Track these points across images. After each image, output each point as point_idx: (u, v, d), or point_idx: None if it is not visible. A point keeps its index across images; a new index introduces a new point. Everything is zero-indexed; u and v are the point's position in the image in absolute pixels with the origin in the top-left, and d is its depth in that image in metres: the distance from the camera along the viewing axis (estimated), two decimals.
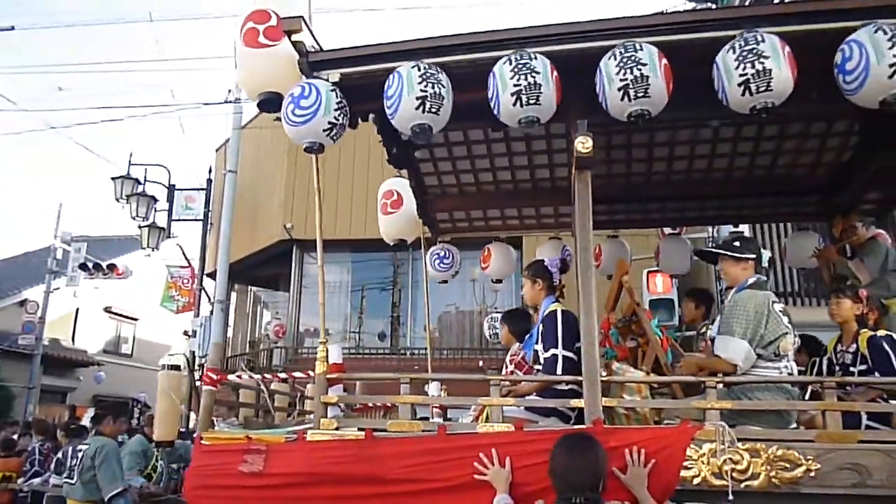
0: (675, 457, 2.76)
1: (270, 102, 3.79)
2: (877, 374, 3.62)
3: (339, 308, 14.22)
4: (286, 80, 3.61)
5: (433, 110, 3.19)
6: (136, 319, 21.20)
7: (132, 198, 13.00)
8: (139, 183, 13.00)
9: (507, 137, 5.17)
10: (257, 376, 4.39)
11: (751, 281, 3.30)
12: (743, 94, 2.93)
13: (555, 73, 3.10)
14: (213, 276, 12.78)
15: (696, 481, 2.77)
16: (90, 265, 16.20)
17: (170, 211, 13.65)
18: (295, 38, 3.56)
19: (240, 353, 16.05)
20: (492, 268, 6.59)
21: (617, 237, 6.50)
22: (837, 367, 3.90)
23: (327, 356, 3.44)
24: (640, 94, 2.97)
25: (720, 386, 2.95)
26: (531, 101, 3.05)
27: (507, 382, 3.50)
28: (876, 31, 2.82)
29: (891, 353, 3.67)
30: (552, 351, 3.44)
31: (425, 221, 6.11)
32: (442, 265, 6.40)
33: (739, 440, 2.77)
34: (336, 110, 3.42)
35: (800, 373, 4.61)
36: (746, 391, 3.08)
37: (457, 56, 3.36)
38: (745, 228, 7.92)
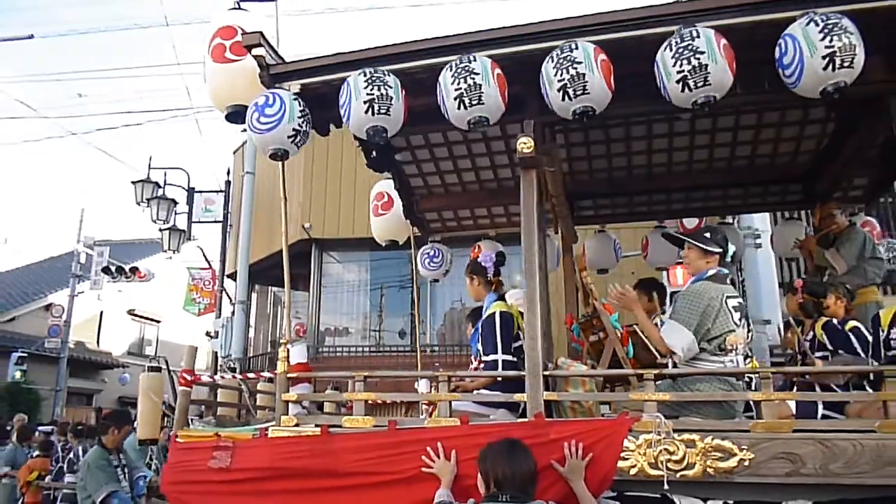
0: (612, 448, 2.81)
1: (238, 115, 3.95)
2: (841, 352, 3.65)
3: (358, 307, 14.27)
4: (252, 93, 3.73)
5: (382, 112, 3.27)
6: (158, 321, 21.64)
7: (152, 201, 13.09)
8: (159, 186, 13.12)
9: (485, 137, 5.23)
10: (240, 377, 4.52)
11: (710, 273, 3.32)
12: (682, 91, 2.96)
13: (497, 71, 3.15)
14: (233, 277, 12.98)
15: (632, 472, 2.81)
16: (113, 269, 16.46)
17: (190, 213, 13.80)
18: (256, 52, 3.67)
19: (261, 353, 16.29)
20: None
21: (604, 231, 6.54)
22: (800, 356, 3.92)
23: (288, 357, 3.55)
24: (579, 92, 3.02)
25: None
26: (475, 102, 3.12)
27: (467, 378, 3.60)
28: (808, 24, 2.83)
29: (849, 333, 3.70)
30: (492, 356, 3.54)
31: (412, 222, 6.20)
32: (432, 264, 6.49)
33: (675, 431, 2.81)
34: (300, 118, 3.54)
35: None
36: (689, 383, 3.12)
37: (410, 63, 3.44)
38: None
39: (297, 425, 3.39)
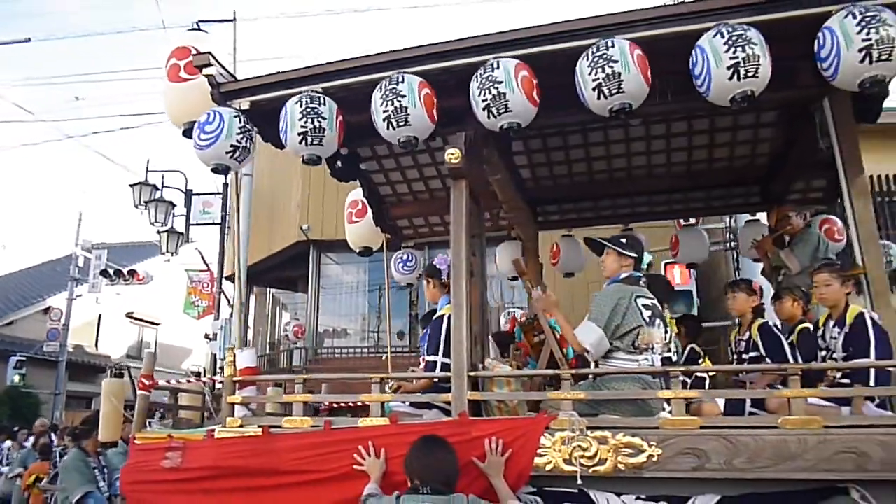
0: (529, 445, 2.95)
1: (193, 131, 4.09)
2: (768, 359, 3.77)
3: (356, 308, 14.35)
4: (206, 110, 3.88)
5: (315, 143, 3.45)
6: (157, 324, 21.84)
7: (150, 204, 13.02)
8: (157, 189, 13.14)
9: (446, 145, 5.37)
10: (204, 379, 4.67)
11: (623, 276, 3.47)
12: (598, 98, 3.10)
13: (424, 91, 3.28)
14: (231, 279, 13.12)
15: (548, 468, 2.94)
16: (111, 272, 16.59)
17: (188, 216, 13.81)
18: (206, 71, 3.83)
19: (260, 355, 16.43)
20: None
21: (571, 236, 6.65)
22: (734, 356, 4.05)
23: (234, 361, 3.70)
24: (501, 110, 3.15)
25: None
26: (402, 123, 3.27)
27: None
28: (715, 36, 2.95)
29: (781, 337, 3.82)
30: (432, 357, 3.69)
31: (383, 229, 6.34)
32: (405, 268, 6.64)
33: (589, 428, 2.94)
34: (238, 134, 3.69)
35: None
36: (606, 382, 3.26)
37: (348, 80, 3.58)
38: None
39: (241, 426, 3.54)
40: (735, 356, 4.19)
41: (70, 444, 8.45)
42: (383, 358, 13.19)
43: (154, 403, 4.26)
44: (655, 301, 3.42)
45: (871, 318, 3.24)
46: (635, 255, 3.50)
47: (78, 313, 17.82)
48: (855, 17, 2.83)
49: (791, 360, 3.76)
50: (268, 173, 14.39)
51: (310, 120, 3.43)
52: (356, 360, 13.20)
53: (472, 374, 3.24)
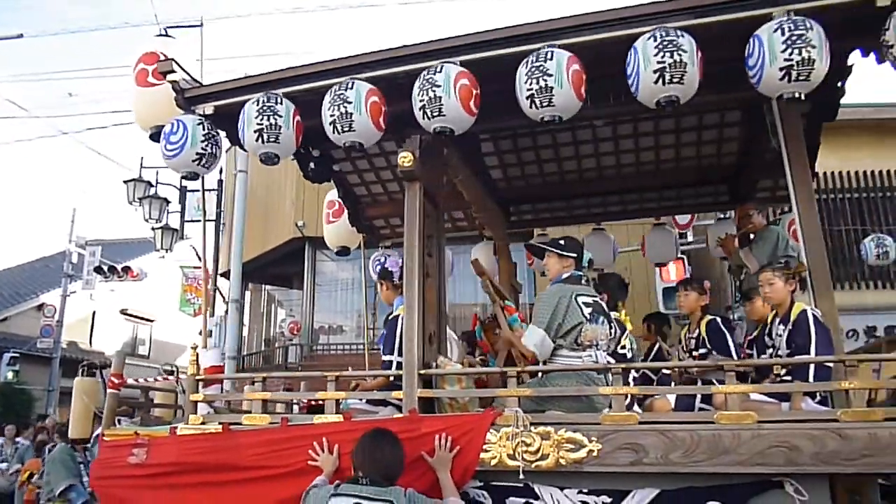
0: (475, 441, 3.04)
1: (160, 135, 4.17)
2: (714, 353, 3.87)
3: (352, 305, 14.37)
4: (173, 115, 3.96)
5: (271, 140, 3.51)
6: (151, 321, 21.91)
7: (144, 200, 12.88)
8: (151, 185, 13.04)
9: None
10: (172, 378, 4.77)
11: (565, 276, 3.56)
12: (530, 107, 3.17)
13: (372, 98, 3.35)
14: (226, 275, 13.14)
15: (493, 462, 3.03)
16: (105, 268, 16.49)
17: (182, 212, 13.85)
18: (170, 77, 3.91)
19: (255, 352, 16.50)
20: None
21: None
22: (685, 353, 4.14)
23: (197, 360, 3.79)
24: (435, 114, 3.23)
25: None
26: (346, 129, 3.35)
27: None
28: (648, 40, 3.01)
29: (726, 333, 3.91)
30: (388, 357, 3.79)
31: (358, 229, 6.42)
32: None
33: (533, 424, 3.03)
34: (203, 142, 3.78)
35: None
36: (551, 379, 3.35)
37: (303, 85, 3.63)
38: None
39: (203, 423, 3.63)
40: (686, 353, 4.28)
41: (58, 440, 8.60)
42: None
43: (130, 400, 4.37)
44: (598, 298, 3.51)
45: (814, 315, 3.32)
46: (574, 255, 3.60)
47: (72, 310, 17.85)
48: (783, 34, 2.87)
49: (735, 356, 3.85)
50: (263, 170, 14.33)
51: (266, 118, 3.50)
52: (351, 357, 13.26)
53: (422, 372, 3.34)
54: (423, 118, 3.23)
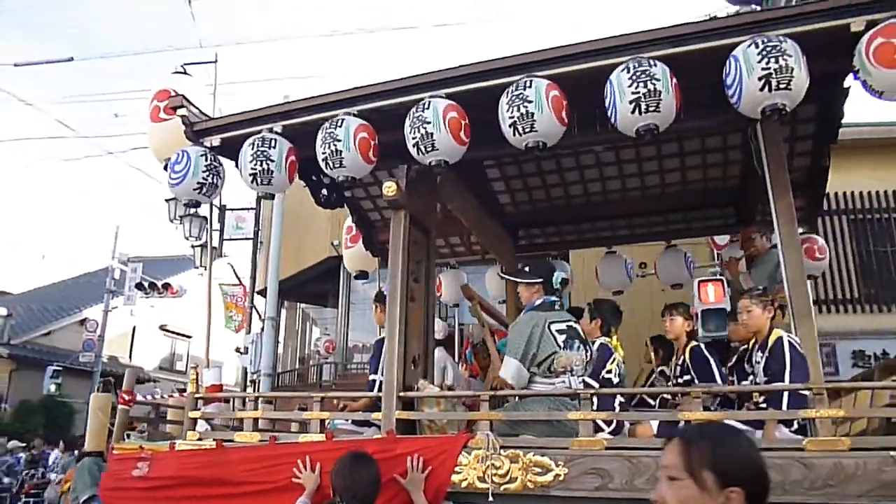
0: (447, 463, 3.16)
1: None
2: (696, 380, 3.90)
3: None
4: (184, 147, 4.24)
5: (264, 183, 3.76)
6: (189, 337, 22.55)
7: (185, 218, 13.39)
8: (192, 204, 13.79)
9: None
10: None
11: (537, 303, 3.67)
12: (514, 135, 3.31)
13: (361, 135, 3.53)
14: (263, 293, 13.54)
15: (464, 485, 3.14)
16: (146, 284, 17.13)
17: (221, 231, 14.25)
18: (180, 112, 4.19)
19: (290, 369, 16.82)
20: (444, 295, 7.03)
21: (614, 252, 6.72)
22: (674, 380, 4.18)
23: (197, 379, 4.01)
24: (429, 149, 3.39)
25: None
26: (337, 165, 3.55)
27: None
28: (622, 71, 3.13)
29: (710, 359, 3.94)
30: (373, 377, 3.94)
31: (373, 253, 6.60)
32: None
33: (503, 448, 3.14)
34: (204, 172, 4.02)
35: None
36: (525, 404, 3.44)
37: (300, 119, 3.85)
38: None
39: (199, 439, 3.84)
40: (673, 380, 4.31)
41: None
42: None
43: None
44: (572, 322, 3.60)
45: (790, 342, 3.35)
46: (540, 280, 3.70)
47: (113, 325, 18.49)
48: (757, 47, 2.96)
49: (720, 382, 3.88)
50: (299, 189, 14.68)
51: (259, 163, 3.74)
52: None
53: (401, 394, 3.48)
54: (418, 153, 3.40)
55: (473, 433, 3.25)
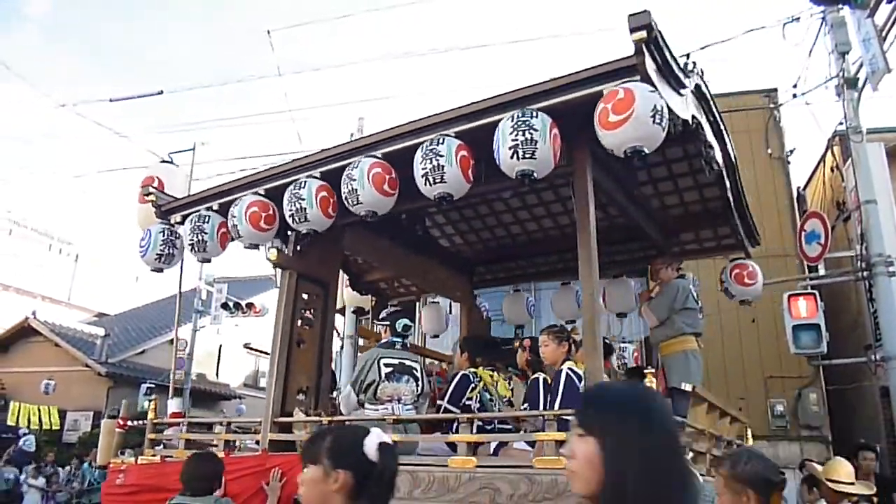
0: (296, 475, 4.64)
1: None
2: (526, 406, 5.00)
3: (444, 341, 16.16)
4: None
5: (200, 250, 5.32)
6: None
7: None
8: None
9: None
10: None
11: (383, 341, 5.13)
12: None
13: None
14: (342, 312, 15.34)
15: None
16: (231, 304, 19.37)
17: None
18: (148, 197, 5.94)
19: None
20: (425, 326, 8.49)
21: (519, 291, 8.06)
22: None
23: (156, 408, 5.77)
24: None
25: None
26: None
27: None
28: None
29: (541, 390, 4.99)
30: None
31: (360, 292, 8.21)
32: None
33: None
34: (161, 245, 5.66)
35: None
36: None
37: (271, 184, 5.05)
38: None
39: (153, 455, 5.57)
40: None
41: None
42: None
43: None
44: (406, 360, 4.95)
45: (567, 374, 4.37)
46: (387, 323, 5.13)
47: (201, 344, 20.95)
48: (512, 121, 3.82)
49: (543, 408, 4.87)
50: None
51: (195, 234, 5.30)
52: None
53: (275, 420, 5.02)
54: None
55: None
